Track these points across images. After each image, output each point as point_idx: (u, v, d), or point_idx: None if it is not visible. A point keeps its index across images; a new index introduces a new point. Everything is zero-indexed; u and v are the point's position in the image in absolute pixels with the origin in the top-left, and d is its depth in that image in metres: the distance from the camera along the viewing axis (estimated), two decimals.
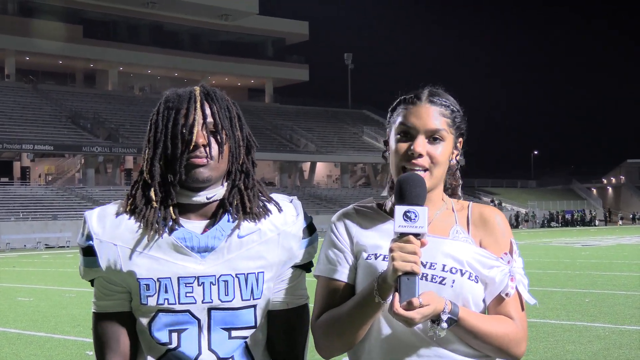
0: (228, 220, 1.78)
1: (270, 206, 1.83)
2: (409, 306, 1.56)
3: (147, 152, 1.79)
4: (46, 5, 60.97)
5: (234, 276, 1.76)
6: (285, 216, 1.82)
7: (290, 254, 1.82)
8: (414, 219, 1.59)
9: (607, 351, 7.09)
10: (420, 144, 1.75)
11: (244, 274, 1.76)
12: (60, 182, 55.50)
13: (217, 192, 1.78)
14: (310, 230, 1.85)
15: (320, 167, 67.03)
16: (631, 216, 71.11)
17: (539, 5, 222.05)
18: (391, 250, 1.60)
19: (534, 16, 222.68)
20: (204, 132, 1.74)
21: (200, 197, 1.77)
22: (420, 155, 1.75)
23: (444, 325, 1.63)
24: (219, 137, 1.76)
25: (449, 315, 1.63)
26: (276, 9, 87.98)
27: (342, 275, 1.80)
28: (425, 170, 1.76)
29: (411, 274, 1.57)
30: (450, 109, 1.81)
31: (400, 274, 1.58)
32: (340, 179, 67.09)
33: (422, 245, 1.60)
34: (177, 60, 67.98)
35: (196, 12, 66.75)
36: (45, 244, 40.39)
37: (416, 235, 1.60)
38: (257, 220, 1.78)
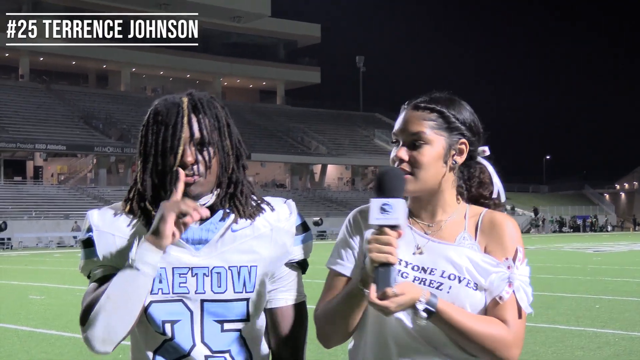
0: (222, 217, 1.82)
1: (264, 206, 1.87)
2: (383, 296, 1.61)
3: (139, 163, 1.82)
4: (60, 6, 61.27)
5: (227, 268, 1.79)
6: (279, 214, 1.87)
7: (284, 250, 1.85)
8: (389, 211, 1.63)
9: (616, 358, 7.07)
10: (402, 150, 1.81)
11: (237, 266, 1.80)
12: (72, 181, 55.78)
13: (208, 199, 1.81)
14: (304, 228, 1.90)
15: (331, 169, 67.05)
16: None
17: (551, 11, 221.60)
18: (368, 243, 1.65)
19: (547, 21, 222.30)
20: (192, 149, 1.76)
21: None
22: (402, 161, 1.80)
23: (423, 314, 1.66)
24: (206, 153, 1.77)
25: (426, 306, 1.66)
26: (288, 12, 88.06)
27: (346, 269, 1.86)
28: (409, 174, 1.79)
29: (386, 264, 1.62)
30: (438, 111, 1.83)
31: (376, 265, 1.62)
32: (351, 182, 67.08)
33: (399, 236, 1.64)
34: (189, 62, 68.16)
35: (208, 13, 66.95)
36: (57, 243, 40.65)
37: (393, 227, 1.63)
38: (250, 219, 1.83)
